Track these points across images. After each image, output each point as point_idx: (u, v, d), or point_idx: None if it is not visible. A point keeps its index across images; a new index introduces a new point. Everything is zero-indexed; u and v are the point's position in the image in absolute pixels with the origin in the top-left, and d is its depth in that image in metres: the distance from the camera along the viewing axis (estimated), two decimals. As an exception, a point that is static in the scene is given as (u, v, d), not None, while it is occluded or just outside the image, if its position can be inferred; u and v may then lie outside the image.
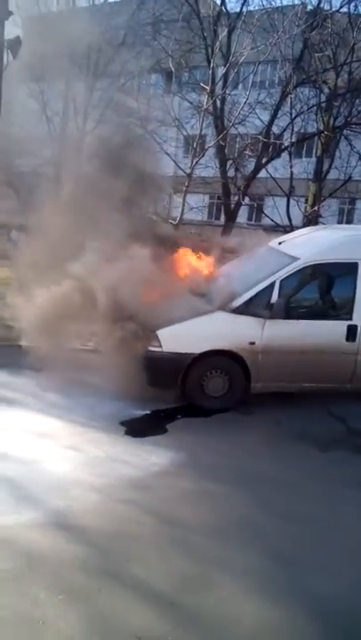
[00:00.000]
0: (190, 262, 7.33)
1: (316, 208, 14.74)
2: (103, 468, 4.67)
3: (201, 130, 13.41)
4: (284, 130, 16.20)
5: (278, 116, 16.07)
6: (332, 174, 17.68)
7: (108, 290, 6.40)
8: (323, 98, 15.69)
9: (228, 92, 15.86)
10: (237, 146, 16.50)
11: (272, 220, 16.39)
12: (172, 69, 15.28)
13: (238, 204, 16.68)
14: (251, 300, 6.09)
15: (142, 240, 7.16)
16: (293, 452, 5.37)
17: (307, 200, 16.29)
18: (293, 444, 5.50)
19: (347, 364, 6.17)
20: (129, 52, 18.03)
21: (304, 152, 20.93)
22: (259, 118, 15.46)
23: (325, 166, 15.65)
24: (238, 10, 16.40)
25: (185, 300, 6.38)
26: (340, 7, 15.72)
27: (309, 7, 16.08)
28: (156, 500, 4.26)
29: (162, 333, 6.02)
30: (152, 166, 9.76)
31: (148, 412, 6.00)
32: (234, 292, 6.27)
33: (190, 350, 6.01)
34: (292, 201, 15.73)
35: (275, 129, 16.44)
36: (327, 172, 15.73)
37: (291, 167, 14.97)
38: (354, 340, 6.13)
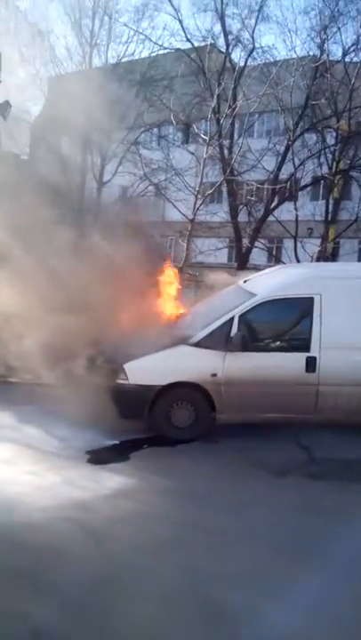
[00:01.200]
0: (167, 300, 7.84)
1: (320, 248, 15.14)
2: (55, 491, 5.03)
3: (202, 178, 14.15)
4: (292, 176, 16.82)
5: (287, 160, 16.74)
6: (345, 215, 18.18)
7: (85, 326, 6.96)
8: (327, 143, 16.32)
9: (235, 141, 16.70)
10: (244, 192, 17.20)
11: (282, 262, 16.87)
12: (174, 122, 16.13)
13: (249, 248, 17.22)
14: (212, 333, 6.48)
15: (135, 280, 7.78)
16: (247, 477, 5.61)
17: (321, 241, 16.75)
18: (249, 471, 5.74)
19: (308, 394, 6.42)
20: (142, 106, 19.24)
21: (320, 195, 21.48)
22: (263, 167, 16.12)
23: (332, 208, 16.22)
24: (243, 63, 17.40)
25: (153, 335, 6.82)
26: (341, 58, 16.49)
27: (310, 57, 16.88)
28: (95, 519, 4.57)
29: (128, 367, 6.46)
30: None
31: (116, 442, 6.37)
32: (197, 326, 6.70)
33: (155, 382, 6.41)
34: (310, 241, 16.27)
35: (284, 174, 17.14)
36: (335, 213, 16.23)
37: (296, 211, 15.53)
38: (313, 371, 6.41)
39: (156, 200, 18.75)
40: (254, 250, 17.76)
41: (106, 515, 4.68)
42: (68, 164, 19.35)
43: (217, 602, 3.52)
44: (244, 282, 7.39)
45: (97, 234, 10.78)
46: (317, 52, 16.75)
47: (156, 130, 20.09)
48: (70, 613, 3.35)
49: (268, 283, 6.96)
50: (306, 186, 17.26)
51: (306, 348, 6.46)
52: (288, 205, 18.08)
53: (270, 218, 17.32)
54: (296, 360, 6.43)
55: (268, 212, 16.65)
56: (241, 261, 17.18)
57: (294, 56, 16.82)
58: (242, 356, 6.38)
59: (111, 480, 5.38)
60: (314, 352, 6.43)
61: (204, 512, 4.79)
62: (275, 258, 19.61)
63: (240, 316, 6.47)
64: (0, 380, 7.76)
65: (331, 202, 17.58)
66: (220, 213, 18.32)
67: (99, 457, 5.93)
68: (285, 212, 17.85)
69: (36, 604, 3.41)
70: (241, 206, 16.98)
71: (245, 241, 16.98)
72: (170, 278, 8.39)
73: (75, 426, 6.46)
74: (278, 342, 6.65)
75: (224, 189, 17.18)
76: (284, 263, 17.13)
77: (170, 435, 6.46)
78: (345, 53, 16.03)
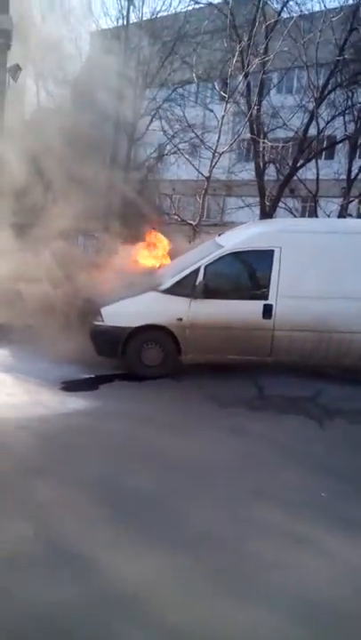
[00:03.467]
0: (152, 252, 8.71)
1: (342, 205, 15.44)
2: (23, 409, 6.09)
3: (219, 135, 14.65)
4: (320, 133, 16.93)
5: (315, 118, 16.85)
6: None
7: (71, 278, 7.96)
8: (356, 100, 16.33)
9: (263, 97, 16.97)
10: (270, 150, 17.44)
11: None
12: (195, 79, 16.47)
13: (273, 206, 17.61)
14: (179, 281, 7.30)
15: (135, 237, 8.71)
16: (195, 406, 6.50)
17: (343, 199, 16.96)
18: (200, 402, 6.63)
19: (265, 338, 7.19)
20: (175, 63, 19.64)
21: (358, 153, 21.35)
22: (288, 126, 16.33)
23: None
24: (276, 15, 17.44)
25: (130, 282, 7.71)
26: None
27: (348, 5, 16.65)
28: (48, 429, 5.60)
29: (104, 310, 7.40)
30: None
31: (91, 375, 7.37)
32: (169, 275, 7.54)
33: (128, 324, 7.32)
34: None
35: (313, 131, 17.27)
36: (357, 173, 16.37)
37: (317, 169, 15.77)
38: (270, 317, 7.15)
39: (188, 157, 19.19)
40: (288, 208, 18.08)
41: (59, 425, 5.70)
42: (103, 120, 20.10)
43: (123, 486, 4.48)
44: (219, 236, 8.12)
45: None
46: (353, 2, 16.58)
47: (188, 87, 20.41)
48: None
49: (235, 236, 7.68)
50: (328, 146, 17.35)
51: (264, 296, 7.19)
52: (327, 162, 18.31)
53: (306, 175, 17.50)
54: (254, 307, 7.18)
55: (293, 170, 16.90)
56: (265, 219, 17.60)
57: (329, 7, 16.72)
58: (205, 302, 7.19)
59: (75, 403, 6.39)
60: (271, 300, 7.16)
61: (144, 428, 5.74)
62: (308, 216, 19.82)
63: (206, 266, 7.24)
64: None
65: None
66: (248, 171, 18.70)
67: (71, 386, 6.94)
68: (323, 169, 18.03)
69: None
70: (267, 164, 17.28)
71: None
72: (157, 234, 9.19)
73: (55, 361, 7.48)
74: (240, 290, 7.40)
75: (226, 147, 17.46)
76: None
77: (140, 372, 7.37)
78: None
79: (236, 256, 7.31)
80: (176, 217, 15.39)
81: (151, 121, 19.69)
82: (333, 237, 7.34)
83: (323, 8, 16.49)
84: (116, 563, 3.50)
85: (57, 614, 3.05)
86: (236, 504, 4.34)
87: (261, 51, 16.52)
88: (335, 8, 16.78)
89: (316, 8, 17.23)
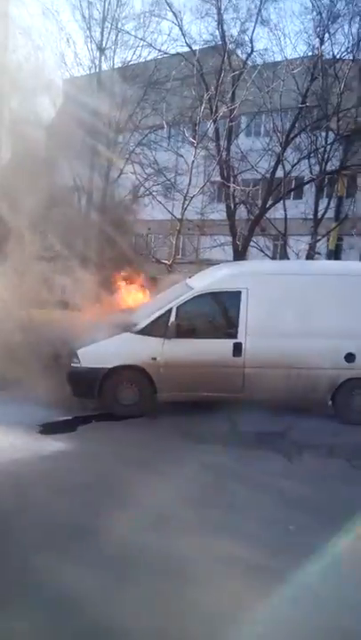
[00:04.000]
0: (129, 295, 9.03)
1: (310, 244, 16.06)
2: (1, 452, 6.25)
3: (190, 179, 15.25)
4: (287, 175, 17.67)
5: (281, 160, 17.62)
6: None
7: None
8: (321, 143, 17.15)
9: (231, 141, 17.71)
10: (236, 190, 18.04)
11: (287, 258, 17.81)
12: (165, 126, 17.15)
13: (245, 245, 18.19)
14: (153, 322, 7.61)
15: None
16: (170, 443, 6.71)
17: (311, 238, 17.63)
18: (175, 439, 6.84)
19: (236, 375, 7.48)
20: (146, 109, 20.39)
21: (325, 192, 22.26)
22: (254, 168, 17.04)
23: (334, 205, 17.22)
24: (242, 64, 18.36)
25: (105, 324, 7.99)
26: (337, 59, 17.23)
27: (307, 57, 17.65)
28: (25, 472, 5.75)
29: (81, 352, 7.64)
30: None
31: (69, 417, 7.55)
32: (143, 316, 7.84)
33: (103, 365, 7.57)
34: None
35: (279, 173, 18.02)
36: (324, 212, 17.12)
37: (285, 210, 16.44)
38: (240, 355, 7.47)
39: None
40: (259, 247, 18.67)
41: (37, 468, 5.86)
42: (78, 165, 20.66)
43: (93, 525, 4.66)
44: (189, 278, 8.49)
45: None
46: (313, 54, 17.56)
47: (159, 131, 21.14)
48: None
49: (205, 278, 8.06)
50: (295, 187, 18.12)
51: (234, 335, 7.52)
52: (295, 202, 19.04)
53: (275, 215, 18.16)
54: (225, 345, 7.50)
55: (263, 210, 17.56)
56: (238, 259, 18.12)
57: (290, 57, 17.66)
58: (178, 341, 7.49)
59: (53, 445, 6.55)
60: (240, 338, 7.48)
61: (118, 466, 5.94)
62: (279, 254, 20.46)
63: (178, 307, 7.57)
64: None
65: (327, 199, 18.41)
66: (220, 212, 19.33)
67: (49, 428, 7.09)
68: (291, 209, 18.74)
69: None
70: (237, 205, 17.92)
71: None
72: (133, 276, 9.54)
73: (32, 404, 7.64)
74: (210, 330, 7.73)
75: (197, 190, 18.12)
76: (288, 259, 18.18)
77: (117, 412, 7.59)
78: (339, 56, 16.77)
79: (206, 297, 7.67)
80: (151, 257, 15.82)
81: (125, 164, 20.27)
82: (298, 279, 7.77)
83: (285, 58, 17.38)
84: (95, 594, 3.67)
85: None
86: (203, 537, 4.53)
87: (228, 98, 17.32)
88: (296, 58, 17.72)
89: (279, 58, 18.00)
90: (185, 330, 7.53)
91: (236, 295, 7.57)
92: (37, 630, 3.39)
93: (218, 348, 7.50)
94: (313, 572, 4.07)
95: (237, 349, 7.46)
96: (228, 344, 7.48)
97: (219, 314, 7.80)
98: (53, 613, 3.51)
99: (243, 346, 7.46)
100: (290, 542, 4.52)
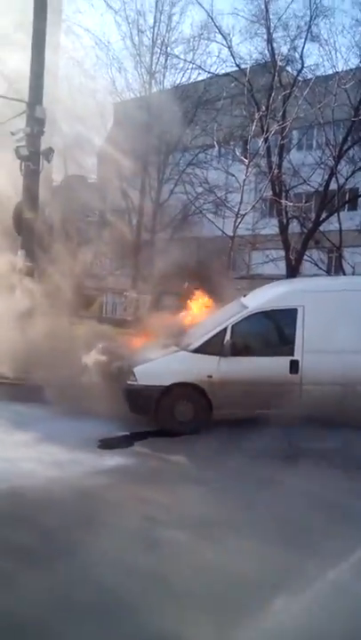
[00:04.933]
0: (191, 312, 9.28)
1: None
2: (65, 467, 6.48)
3: (242, 197, 15.42)
4: (341, 187, 17.64)
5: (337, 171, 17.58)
6: None
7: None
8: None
9: (283, 157, 17.82)
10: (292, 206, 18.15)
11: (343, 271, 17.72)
12: (216, 145, 17.43)
13: (298, 259, 18.18)
14: (208, 341, 7.77)
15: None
16: (227, 460, 6.79)
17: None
18: (232, 456, 6.90)
19: (293, 393, 7.53)
20: (196, 129, 20.79)
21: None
22: (307, 182, 17.09)
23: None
24: (292, 81, 18.49)
25: (162, 342, 8.20)
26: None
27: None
28: (88, 486, 5.96)
29: (137, 370, 7.88)
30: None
31: (127, 433, 7.78)
32: (198, 334, 8.02)
33: (160, 383, 7.77)
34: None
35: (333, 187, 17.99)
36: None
37: (339, 222, 16.37)
38: (296, 372, 7.52)
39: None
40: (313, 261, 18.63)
41: (99, 483, 6.06)
42: (129, 186, 21.23)
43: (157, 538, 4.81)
44: (244, 296, 8.62)
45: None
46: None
47: (210, 151, 21.49)
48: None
49: (259, 297, 8.17)
50: (349, 200, 18.02)
51: (290, 352, 7.58)
52: (350, 214, 18.96)
53: (330, 228, 18.12)
54: (281, 363, 7.56)
55: (316, 224, 17.55)
56: (291, 273, 18.13)
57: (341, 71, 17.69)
58: (234, 360, 7.61)
59: (113, 460, 6.80)
60: (297, 356, 7.54)
61: (178, 485, 6.07)
62: (334, 267, 20.32)
63: (233, 326, 7.72)
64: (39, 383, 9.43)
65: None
66: (271, 227, 19.43)
67: (108, 443, 7.34)
68: (346, 221, 18.62)
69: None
70: (290, 220, 17.97)
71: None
72: (197, 296, 9.77)
73: (94, 420, 7.93)
74: (266, 348, 7.82)
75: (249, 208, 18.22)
76: (344, 272, 18.10)
77: (173, 428, 7.75)
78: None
79: (262, 315, 7.79)
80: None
81: (176, 184, 20.66)
82: (354, 294, 7.76)
83: (336, 72, 17.42)
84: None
85: None
86: (269, 554, 4.59)
87: (280, 115, 17.45)
88: (348, 71, 17.71)
89: (330, 72, 18.07)
90: (241, 348, 7.65)
91: (291, 313, 7.65)
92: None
93: (274, 366, 7.58)
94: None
95: (294, 366, 7.51)
96: (284, 361, 7.55)
97: (274, 332, 7.91)
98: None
99: (299, 363, 7.50)
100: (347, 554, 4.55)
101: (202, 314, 9.67)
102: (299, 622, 3.70)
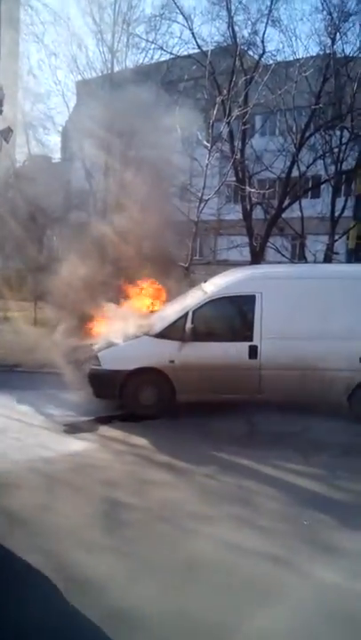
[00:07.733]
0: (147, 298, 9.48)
1: (323, 246, 16.37)
2: (29, 451, 6.70)
3: (205, 183, 15.62)
4: (302, 175, 17.97)
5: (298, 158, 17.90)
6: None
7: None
8: (334, 143, 17.43)
9: (245, 142, 18.06)
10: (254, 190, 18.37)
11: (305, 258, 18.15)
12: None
13: (262, 246, 18.49)
14: (170, 326, 8.03)
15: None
16: (189, 444, 7.10)
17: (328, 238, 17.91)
18: (194, 440, 7.22)
19: (253, 377, 7.86)
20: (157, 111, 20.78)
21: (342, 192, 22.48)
22: (269, 169, 17.40)
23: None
24: (254, 66, 18.65)
25: (125, 327, 8.40)
26: (350, 58, 17.49)
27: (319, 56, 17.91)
28: (52, 469, 6.20)
29: (101, 355, 8.09)
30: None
31: (91, 417, 8.00)
32: (159, 320, 8.27)
33: (124, 367, 8.01)
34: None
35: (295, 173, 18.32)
36: (341, 212, 17.42)
37: (301, 210, 16.76)
38: (255, 357, 7.85)
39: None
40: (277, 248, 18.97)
41: (62, 466, 6.30)
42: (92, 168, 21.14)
43: (119, 519, 5.08)
44: (204, 282, 8.89)
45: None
46: (325, 54, 17.85)
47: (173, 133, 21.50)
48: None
49: (219, 283, 8.44)
50: (311, 187, 18.42)
51: (249, 337, 7.90)
52: (312, 202, 19.34)
53: (293, 215, 18.44)
54: (241, 348, 7.88)
55: (279, 211, 17.86)
56: (255, 259, 18.42)
57: (302, 58, 17.95)
58: (195, 345, 7.89)
59: (77, 444, 7.02)
60: (256, 341, 7.86)
61: (141, 467, 6.36)
62: (298, 255, 20.70)
63: (193, 311, 7.98)
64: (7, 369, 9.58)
65: (344, 198, 18.69)
66: (236, 213, 19.67)
67: (72, 428, 7.56)
68: (308, 209, 18.99)
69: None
70: (253, 206, 18.22)
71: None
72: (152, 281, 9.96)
73: (59, 405, 8.15)
74: (226, 333, 8.11)
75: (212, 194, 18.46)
76: (306, 260, 18.53)
77: (137, 412, 8.02)
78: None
79: (221, 301, 8.06)
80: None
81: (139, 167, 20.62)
82: (312, 282, 8.12)
83: (297, 59, 17.67)
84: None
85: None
86: (224, 531, 4.93)
87: (242, 99, 17.63)
88: (308, 58, 17.97)
89: (291, 58, 18.30)
90: (201, 333, 7.92)
91: (250, 299, 7.95)
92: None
93: (234, 351, 7.87)
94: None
95: (253, 352, 7.83)
96: (243, 347, 7.86)
97: (234, 317, 8.19)
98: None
99: (258, 348, 7.82)
100: (303, 534, 4.91)
101: (162, 300, 9.87)
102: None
